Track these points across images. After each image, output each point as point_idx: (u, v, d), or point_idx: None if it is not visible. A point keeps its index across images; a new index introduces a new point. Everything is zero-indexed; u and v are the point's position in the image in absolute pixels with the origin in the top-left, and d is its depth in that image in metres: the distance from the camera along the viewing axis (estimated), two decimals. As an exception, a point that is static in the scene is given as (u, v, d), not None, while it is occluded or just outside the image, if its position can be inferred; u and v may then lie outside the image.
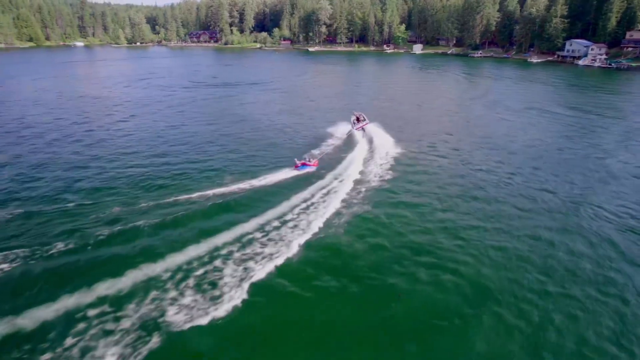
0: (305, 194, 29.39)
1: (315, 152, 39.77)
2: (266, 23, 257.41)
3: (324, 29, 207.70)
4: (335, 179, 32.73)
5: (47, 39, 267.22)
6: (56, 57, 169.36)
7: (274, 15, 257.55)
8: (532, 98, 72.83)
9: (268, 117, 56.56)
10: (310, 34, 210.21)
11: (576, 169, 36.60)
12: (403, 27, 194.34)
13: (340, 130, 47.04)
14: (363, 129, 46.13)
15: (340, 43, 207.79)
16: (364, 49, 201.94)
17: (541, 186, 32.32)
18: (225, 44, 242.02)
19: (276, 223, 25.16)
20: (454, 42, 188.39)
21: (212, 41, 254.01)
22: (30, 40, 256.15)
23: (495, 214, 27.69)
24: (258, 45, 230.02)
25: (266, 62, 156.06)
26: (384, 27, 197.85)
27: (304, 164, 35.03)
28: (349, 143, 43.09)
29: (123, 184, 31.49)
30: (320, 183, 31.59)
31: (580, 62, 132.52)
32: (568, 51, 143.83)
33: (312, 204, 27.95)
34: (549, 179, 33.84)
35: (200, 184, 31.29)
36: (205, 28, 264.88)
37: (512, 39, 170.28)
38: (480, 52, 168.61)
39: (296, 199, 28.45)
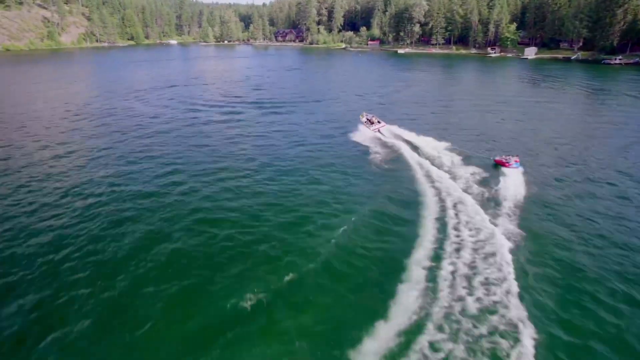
0: None
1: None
2: (357, 21, 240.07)
3: (417, 28, 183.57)
4: None
5: (147, 37, 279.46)
6: (145, 55, 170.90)
7: (366, 13, 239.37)
8: None
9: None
10: (402, 33, 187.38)
11: None
12: (513, 26, 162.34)
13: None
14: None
15: (435, 44, 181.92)
16: (463, 51, 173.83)
17: None
18: (311, 43, 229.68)
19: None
20: (580, 44, 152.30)
21: (297, 40, 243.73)
22: (131, 38, 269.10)
23: None
24: (343, 46, 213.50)
25: (345, 65, 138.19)
26: (489, 26, 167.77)
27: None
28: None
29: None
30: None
31: None
32: None
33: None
34: None
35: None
36: (294, 26, 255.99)
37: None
38: (620, 57, 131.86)
39: None
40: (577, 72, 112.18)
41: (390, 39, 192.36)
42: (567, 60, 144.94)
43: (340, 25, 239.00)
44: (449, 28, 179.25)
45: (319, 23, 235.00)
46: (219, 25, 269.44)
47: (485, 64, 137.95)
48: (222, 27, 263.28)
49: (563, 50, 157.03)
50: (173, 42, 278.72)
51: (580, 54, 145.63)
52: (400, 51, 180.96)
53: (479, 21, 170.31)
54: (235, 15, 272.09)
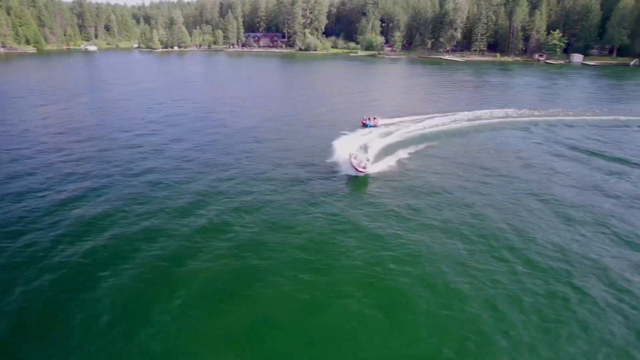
0: None
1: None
2: (333, 26, 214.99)
3: (458, 33, 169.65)
4: None
5: (47, 40, 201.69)
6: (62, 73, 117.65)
7: (344, 18, 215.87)
8: None
9: None
10: (441, 39, 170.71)
11: None
12: (557, 32, 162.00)
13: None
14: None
15: (476, 51, 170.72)
16: (507, 59, 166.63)
17: None
18: (304, 49, 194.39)
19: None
20: (615, 50, 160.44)
21: (283, 46, 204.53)
22: (29, 43, 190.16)
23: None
24: (358, 53, 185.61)
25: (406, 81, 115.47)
26: (532, 33, 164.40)
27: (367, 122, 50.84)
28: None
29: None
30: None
31: None
32: None
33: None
34: None
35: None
36: (268, 29, 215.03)
37: None
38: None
39: None
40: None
41: (429, 45, 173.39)
42: (626, 65, 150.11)
43: (323, 29, 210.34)
44: (487, 34, 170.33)
45: (304, 26, 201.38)
46: (163, 28, 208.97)
47: (554, 72, 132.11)
48: (172, 29, 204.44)
49: (601, 57, 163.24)
50: (92, 47, 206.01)
51: (637, 60, 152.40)
52: (448, 57, 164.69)
53: (520, 28, 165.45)
54: (182, 15, 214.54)
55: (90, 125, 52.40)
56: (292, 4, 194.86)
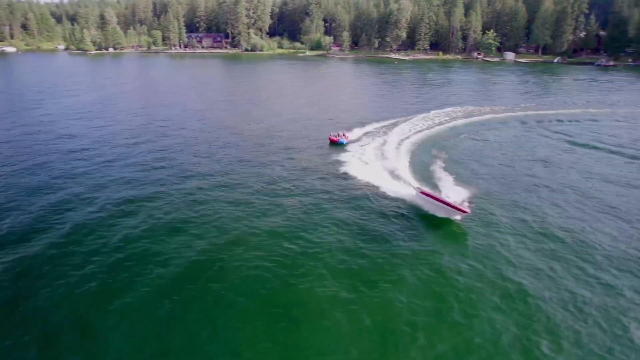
0: None
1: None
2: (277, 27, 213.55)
3: (404, 33, 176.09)
4: None
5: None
6: None
7: (287, 18, 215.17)
8: None
9: None
10: (388, 39, 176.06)
11: None
12: (492, 32, 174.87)
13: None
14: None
15: (420, 50, 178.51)
16: (449, 57, 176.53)
17: None
18: (250, 50, 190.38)
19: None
20: (540, 49, 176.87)
21: (227, 46, 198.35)
22: None
23: None
24: (307, 53, 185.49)
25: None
26: (470, 32, 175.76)
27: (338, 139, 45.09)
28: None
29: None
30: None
31: None
32: None
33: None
34: None
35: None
36: (209, 30, 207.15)
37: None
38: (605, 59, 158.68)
39: None
40: (609, 75, 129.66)
41: (376, 45, 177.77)
42: (551, 62, 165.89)
43: (267, 29, 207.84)
44: (429, 33, 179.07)
45: (248, 26, 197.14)
46: (95, 28, 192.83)
47: (498, 69, 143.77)
48: (105, 30, 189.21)
49: (529, 55, 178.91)
50: (10, 49, 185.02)
51: (559, 58, 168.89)
52: (394, 56, 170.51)
53: (459, 28, 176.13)
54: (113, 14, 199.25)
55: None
56: (236, 3, 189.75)
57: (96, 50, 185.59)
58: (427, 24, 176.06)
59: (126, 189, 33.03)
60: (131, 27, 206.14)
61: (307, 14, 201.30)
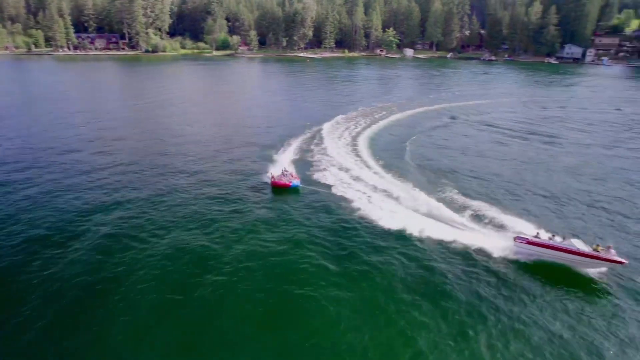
0: None
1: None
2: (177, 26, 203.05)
3: (310, 32, 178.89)
4: None
5: None
6: None
7: (188, 17, 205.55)
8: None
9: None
10: (295, 37, 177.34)
11: None
12: (391, 30, 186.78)
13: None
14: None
15: (327, 48, 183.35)
16: (355, 54, 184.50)
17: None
18: (151, 51, 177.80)
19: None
20: (434, 46, 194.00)
21: (125, 47, 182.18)
22: None
23: None
24: (213, 53, 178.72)
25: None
26: (371, 31, 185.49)
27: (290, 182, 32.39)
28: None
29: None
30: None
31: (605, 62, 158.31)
32: (567, 54, 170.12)
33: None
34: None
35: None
36: (100, 29, 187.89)
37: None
38: (487, 55, 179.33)
39: None
40: (497, 69, 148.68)
41: (284, 44, 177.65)
42: (445, 58, 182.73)
43: (167, 29, 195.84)
44: (334, 32, 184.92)
45: (146, 26, 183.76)
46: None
47: (387, 64, 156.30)
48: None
49: (425, 51, 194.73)
50: None
51: (452, 54, 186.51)
52: (304, 55, 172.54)
53: (362, 26, 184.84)
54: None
55: None
56: (131, 1, 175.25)
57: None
58: (332, 22, 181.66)
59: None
60: (0, 25, 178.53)
61: (208, 12, 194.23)
